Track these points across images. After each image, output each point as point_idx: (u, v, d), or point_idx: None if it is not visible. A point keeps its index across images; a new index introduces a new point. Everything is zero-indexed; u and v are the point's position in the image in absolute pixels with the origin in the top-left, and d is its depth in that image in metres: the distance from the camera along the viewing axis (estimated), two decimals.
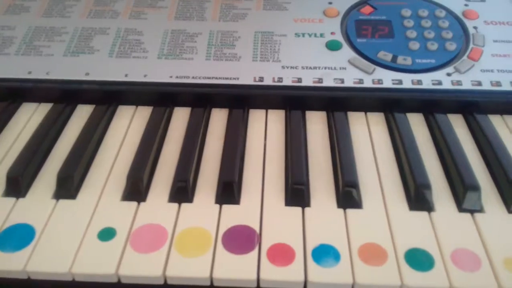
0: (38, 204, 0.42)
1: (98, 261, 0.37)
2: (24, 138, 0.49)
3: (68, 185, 0.42)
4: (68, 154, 0.45)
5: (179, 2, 0.62)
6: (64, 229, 0.39)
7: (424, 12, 0.60)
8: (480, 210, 0.42)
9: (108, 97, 0.53)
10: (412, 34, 0.57)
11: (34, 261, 0.37)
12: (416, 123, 0.51)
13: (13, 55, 0.56)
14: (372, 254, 0.38)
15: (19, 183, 0.43)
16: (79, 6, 0.62)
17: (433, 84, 0.52)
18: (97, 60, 0.55)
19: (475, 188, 0.42)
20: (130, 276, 0.36)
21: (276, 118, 0.52)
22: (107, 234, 0.39)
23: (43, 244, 0.38)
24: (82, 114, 0.52)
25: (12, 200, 0.42)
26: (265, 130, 0.51)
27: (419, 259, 0.37)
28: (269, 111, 0.53)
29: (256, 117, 0.52)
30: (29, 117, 0.52)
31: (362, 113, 0.52)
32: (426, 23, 0.58)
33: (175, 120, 0.52)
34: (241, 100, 0.52)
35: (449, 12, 0.60)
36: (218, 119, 0.52)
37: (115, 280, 0.37)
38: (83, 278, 0.37)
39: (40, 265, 0.37)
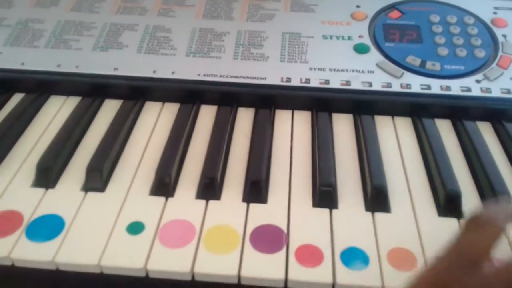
0: (67, 195, 0.42)
1: (127, 255, 0.37)
2: (52, 131, 0.49)
3: (97, 178, 0.42)
4: (97, 148, 0.46)
5: (207, 1, 0.63)
6: (93, 221, 0.40)
7: (452, 19, 0.59)
8: None
9: (136, 92, 0.53)
10: (441, 40, 0.57)
11: (63, 252, 0.37)
12: (444, 129, 0.50)
13: (43, 48, 0.56)
14: (401, 258, 0.37)
15: (49, 174, 0.43)
16: (108, 2, 0.62)
17: (462, 90, 0.52)
18: (125, 56, 0.55)
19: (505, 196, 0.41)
20: (159, 271, 0.36)
21: (302, 119, 0.52)
22: (136, 227, 0.39)
23: (72, 235, 0.39)
24: (109, 108, 0.52)
25: (41, 190, 0.43)
26: (291, 130, 0.51)
27: None
28: (295, 112, 0.53)
29: (282, 117, 0.52)
30: (57, 110, 0.52)
31: (389, 117, 0.52)
32: (455, 30, 0.58)
33: (201, 117, 0.52)
34: (267, 100, 0.52)
35: (478, 19, 0.60)
36: (244, 118, 0.52)
37: (143, 274, 0.37)
38: (111, 271, 0.37)
39: (69, 257, 0.37)
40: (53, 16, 0.60)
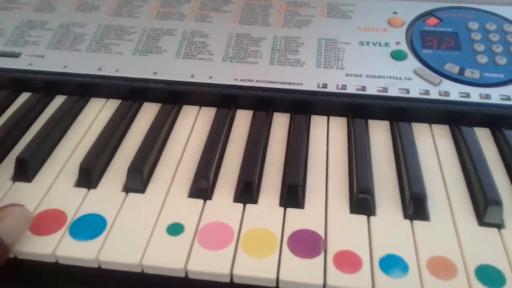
0: (109, 196, 0.43)
1: (168, 255, 0.38)
2: (93, 132, 0.50)
3: (138, 180, 0.43)
4: (137, 150, 0.46)
5: (244, 7, 0.63)
6: (134, 221, 0.41)
7: (491, 26, 0.59)
8: None
9: (174, 96, 0.54)
10: (480, 47, 0.56)
11: (106, 250, 0.38)
12: (483, 138, 0.50)
13: (84, 52, 0.58)
14: (441, 267, 0.37)
15: (91, 174, 0.44)
16: (147, 7, 0.64)
17: (502, 99, 0.51)
18: (164, 60, 0.56)
19: None
20: (198, 272, 0.37)
21: (338, 125, 0.52)
22: (175, 229, 0.40)
23: (114, 235, 0.39)
24: (148, 111, 0.53)
25: (84, 190, 0.44)
26: (327, 136, 0.51)
27: (490, 276, 0.36)
28: (331, 118, 0.53)
29: (318, 123, 0.52)
30: (98, 112, 0.54)
31: (427, 125, 0.52)
32: (494, 37, 0.57)
33: (238, 122, 0.52)
34: (303, 106, 0.53)
35: None
36: (280, 123, 0.52)
37: (182, 274, 0.37)
38: (152, 270, 0.38)
39: (112, 255, 0.38)
40: (94, 20, 0.62)
